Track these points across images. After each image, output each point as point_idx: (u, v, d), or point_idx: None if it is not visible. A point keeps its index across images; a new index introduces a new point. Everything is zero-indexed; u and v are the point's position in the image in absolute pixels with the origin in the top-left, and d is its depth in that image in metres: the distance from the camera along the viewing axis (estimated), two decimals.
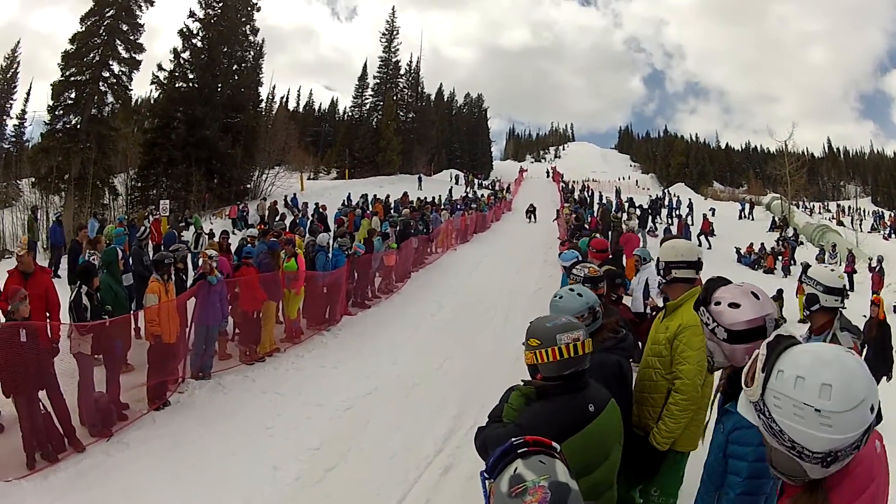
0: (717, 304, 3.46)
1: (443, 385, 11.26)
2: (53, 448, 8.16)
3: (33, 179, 39.50)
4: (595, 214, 34.94)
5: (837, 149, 74.79)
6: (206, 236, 20.24)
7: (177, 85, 44.95)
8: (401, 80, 66.67)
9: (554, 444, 2.54)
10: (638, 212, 39.25)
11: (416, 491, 7.67)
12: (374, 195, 39.77)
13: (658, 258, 5.27)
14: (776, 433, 2.03)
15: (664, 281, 5.23)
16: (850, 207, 63.62)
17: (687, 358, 4.78)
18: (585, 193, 55.25)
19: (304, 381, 11.52)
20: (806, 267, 5.20)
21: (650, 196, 55.09)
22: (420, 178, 56.12)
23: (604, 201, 47.83)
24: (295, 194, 42.82)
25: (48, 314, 9.57)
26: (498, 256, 26.54)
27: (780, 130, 64.40)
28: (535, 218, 40.79)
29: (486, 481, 2.48)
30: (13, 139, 47.13)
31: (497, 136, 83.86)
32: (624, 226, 25.65)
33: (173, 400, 10.31)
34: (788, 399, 1.98)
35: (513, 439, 2.52)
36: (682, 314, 4.89)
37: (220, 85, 45.97)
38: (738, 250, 32.76)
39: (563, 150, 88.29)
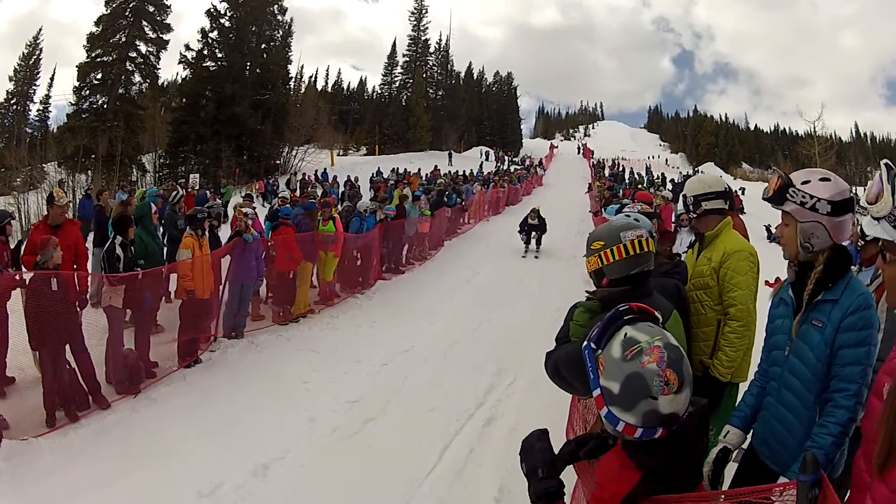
0: (806, 182, 3.22)
1: (481, 345, 11.12)
2: (76, 405, 7.94)
3: (59, 161, 39.83)
4: (628, 187, 34.54)
5: (865, 134, 73.43)
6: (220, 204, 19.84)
7: (205, 64, 45.61)
8: (430, 58, 66.67)
9: (657, 314, 2.47)
10: (670, 185, 38.85)
11: (459, 442, 7.48)
12: (406, 169, 39.73)
13: (685, 195, 5.08)
14: None
15: (695, 215, 5.02)
16: None
17: (737, 284, 4.69)
18: (617, 170, 54.96)
19: (339, 339, 11.35)
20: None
21: (681, 173, 54.69)
22: (450, 154, 56.19)
23: (635, 176, 47.42)
24: (325, 169, 43.06)
25: (75, 266, 9.35)
26: None
27: (809, 113, 63.66)
28: (538, 240, 21.15)
29: (594, 354, 2.41)
30: (37, 124, 47.37)
31: (526, 114, 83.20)
32: (661, 199, 25.25)
33: (205, 358, 10.11)
34: None
35: (618, 306, 2.46)
36: (724, 242, 4.82)
37: (248, 63, 46.61)
38: (767, 228, 32.29)
39: (593, 129, 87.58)
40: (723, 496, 2.57)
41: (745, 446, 3.64)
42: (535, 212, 21.38)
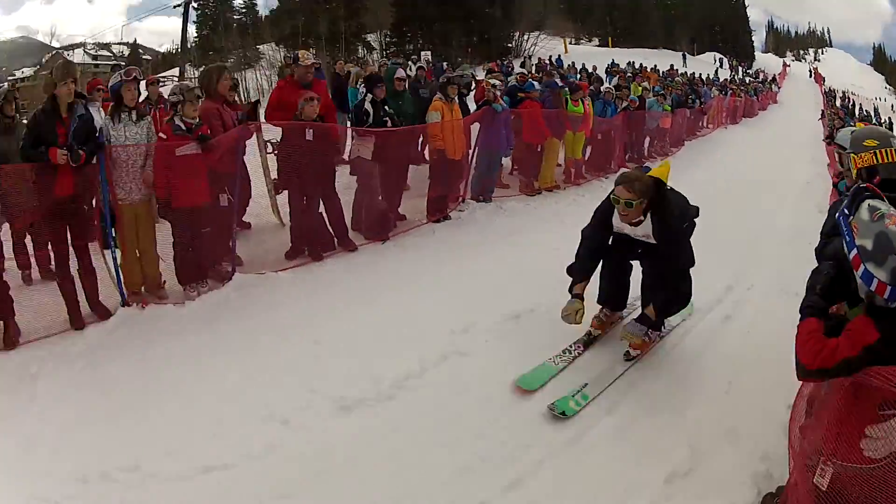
0: None
1: (721, 242, 10.72)
2: (322, 247, 8.38)
3: (276, 41, 40.10)
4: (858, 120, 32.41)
5: None
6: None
7: None
8: None
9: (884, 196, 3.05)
10: None
11: (698, 331, 7.53)
12: (641, 64, 38.87)
13: None
14: None
15: None
16: None
17: None
18: (847, 103, 51.24)
19: (587, 215, 11.37)
20: None
21: None
22: (684, 56, 53.95)
23: (864, 113, 44.22)
24: (559, 55, 42.63)
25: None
26: (766, 143, 24.97)
27: None
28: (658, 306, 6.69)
29: (847, 219, 3.00)
30: (244, 10, 46.86)
31: (756, 26, 77.69)
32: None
33: (454, 216, 10.43)
34: None
35: (859, 184, 3.19)
36: None
37: None
38: None
39: (822, 54, 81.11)
40: None
41: None
42: (635, 187, 6.14)
